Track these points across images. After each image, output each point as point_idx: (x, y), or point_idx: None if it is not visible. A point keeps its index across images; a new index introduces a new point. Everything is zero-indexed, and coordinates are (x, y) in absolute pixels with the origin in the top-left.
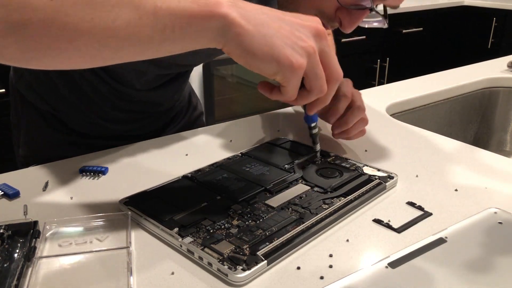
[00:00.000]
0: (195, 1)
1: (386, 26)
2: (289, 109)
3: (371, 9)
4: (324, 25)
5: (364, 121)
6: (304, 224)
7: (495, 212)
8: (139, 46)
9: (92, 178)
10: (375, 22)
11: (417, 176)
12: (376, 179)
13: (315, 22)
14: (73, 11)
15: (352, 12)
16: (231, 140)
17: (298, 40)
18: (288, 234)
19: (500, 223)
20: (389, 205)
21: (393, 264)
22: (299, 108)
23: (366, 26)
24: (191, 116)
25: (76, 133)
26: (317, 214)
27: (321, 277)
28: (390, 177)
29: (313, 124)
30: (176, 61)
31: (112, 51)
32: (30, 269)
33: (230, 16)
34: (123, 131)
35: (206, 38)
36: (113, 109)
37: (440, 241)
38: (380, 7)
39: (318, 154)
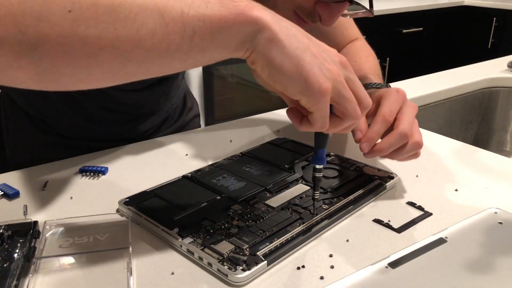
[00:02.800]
0: (224, 4)
1: (372, 15)
2: None
3: (351, 1)
4: (304, 20)
5: (416, 155)
6: (304, 224)
7: (495, 212)
8: (165, 57)
9: (92, 178)
10: (360, 12)
11: (417, 176)
12: (376, 179)
13: (335, 51)
14: (94, 21)
15: (331, 6)
16: (231, 140)
17: (325, 61)
18: (288, 234)
19: (500, 223)
20: (389, 205)
21: (393, 264)
22: None
23: (349, 17)
24: (185, 118)
25: (61, 136)
26: (317, 214)
27: (321, 277)
28: (390, 177)
29: (319, 167)
30: None
31: (136, 65)
32: (30, 269)
33: (264, 19)
34: (110, 134)
35: (234, 44)
36: (99, 110)
37: (440, 241)
38: None
39: (316, 202)
